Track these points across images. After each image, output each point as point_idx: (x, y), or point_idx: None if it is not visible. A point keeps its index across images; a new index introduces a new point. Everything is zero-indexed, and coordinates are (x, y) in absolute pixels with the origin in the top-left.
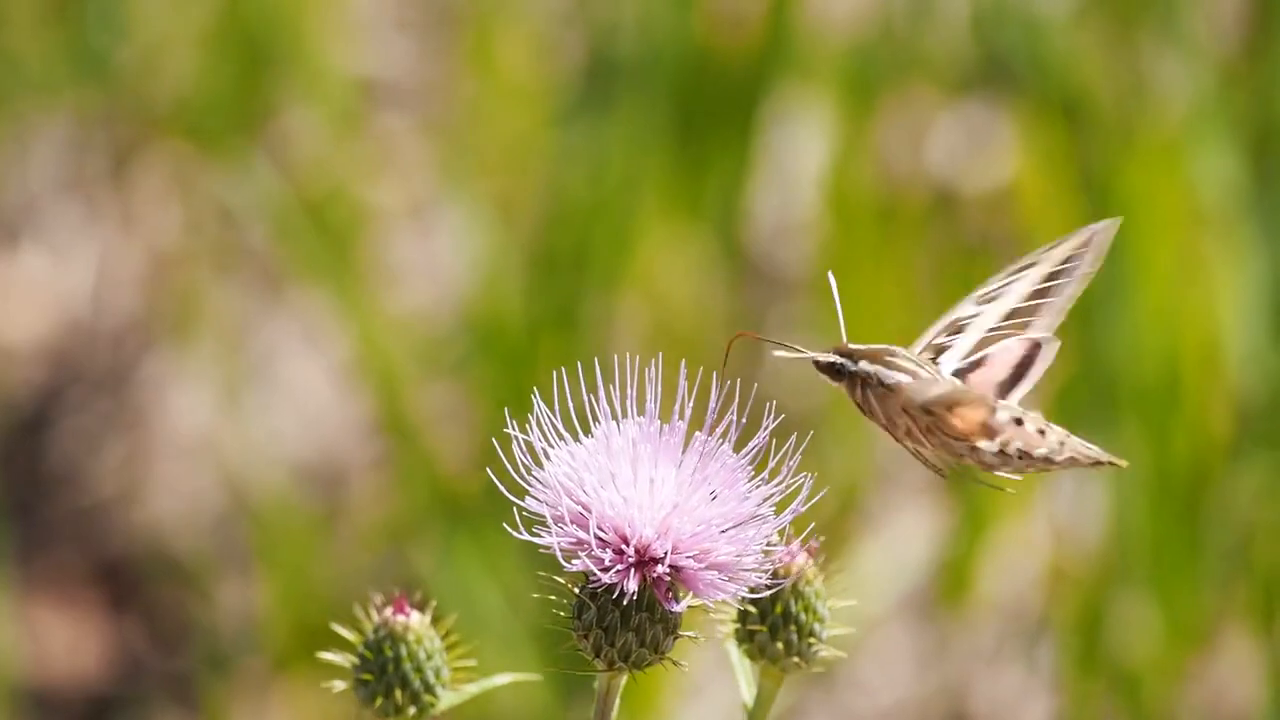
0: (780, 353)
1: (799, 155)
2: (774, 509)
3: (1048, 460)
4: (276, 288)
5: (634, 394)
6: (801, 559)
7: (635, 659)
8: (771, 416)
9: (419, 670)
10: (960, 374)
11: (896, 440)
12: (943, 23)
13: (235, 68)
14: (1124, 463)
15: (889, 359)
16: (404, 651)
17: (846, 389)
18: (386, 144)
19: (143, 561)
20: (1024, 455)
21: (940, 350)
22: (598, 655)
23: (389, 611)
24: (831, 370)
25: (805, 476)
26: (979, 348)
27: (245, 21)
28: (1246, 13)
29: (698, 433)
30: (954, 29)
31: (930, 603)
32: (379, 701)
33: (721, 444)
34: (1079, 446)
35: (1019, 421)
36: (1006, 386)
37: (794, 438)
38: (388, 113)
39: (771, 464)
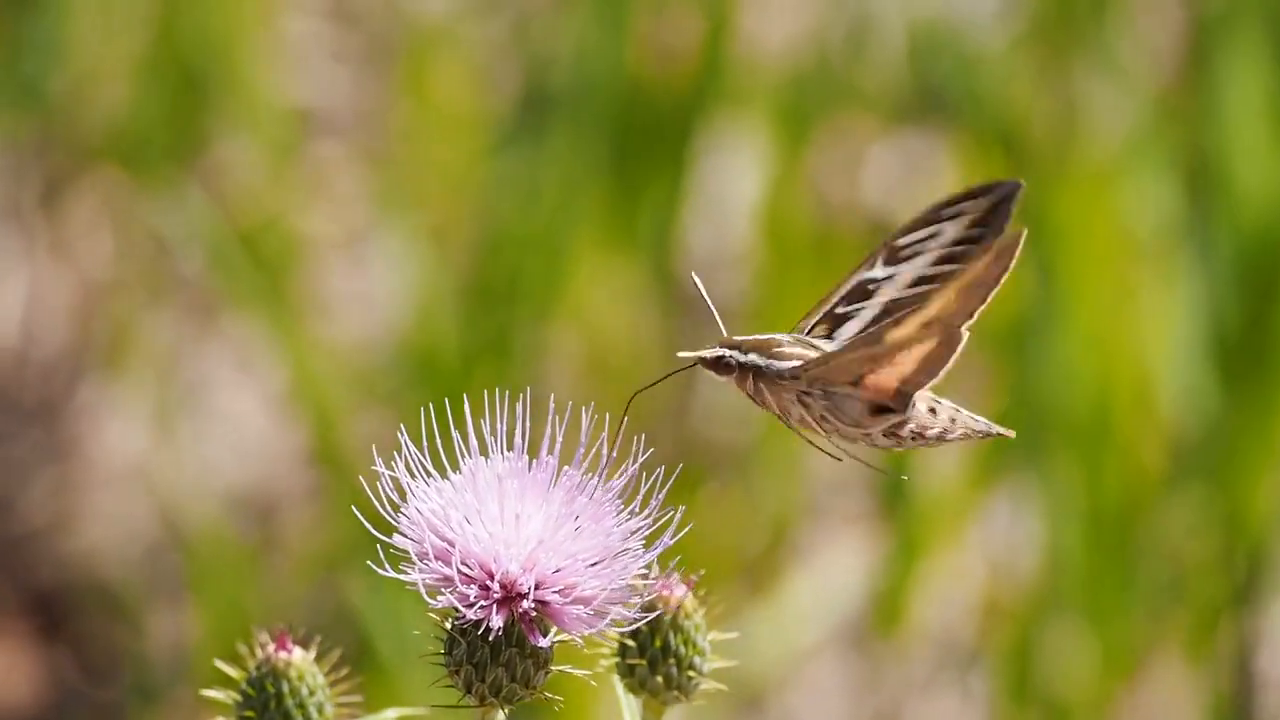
0: (682, 354)
1: (734, 185)
2: (643, 543)
3: (941, 437)
4: (210, 317)
5: (504, 429)
6: (680, 592)
7: (506, 694)
8: (641, 449)
9: (301, 707)
10: None
11: (789, 428)
12: (878, 52)
13: (170, 96)
14: (1011, 432)
15: (777, 349)
16: (286, 688)
17: (737, 382)
18: (321, 173)
19: (74, 591)
20: (918, 435)
21: (842, 320)
22: (469, 691)
23: (271, 648)
24: (719, 365)
25: (674, 510)
26: (883, 315)
27: (180, 50)
28: (1181, 43)
29: (568, 468)
30: (889, 59)
31: (863, 633)
32: None
33: (591, 478)
34: (968, 421)
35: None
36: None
37: (662, 469)
38: (323, 142)
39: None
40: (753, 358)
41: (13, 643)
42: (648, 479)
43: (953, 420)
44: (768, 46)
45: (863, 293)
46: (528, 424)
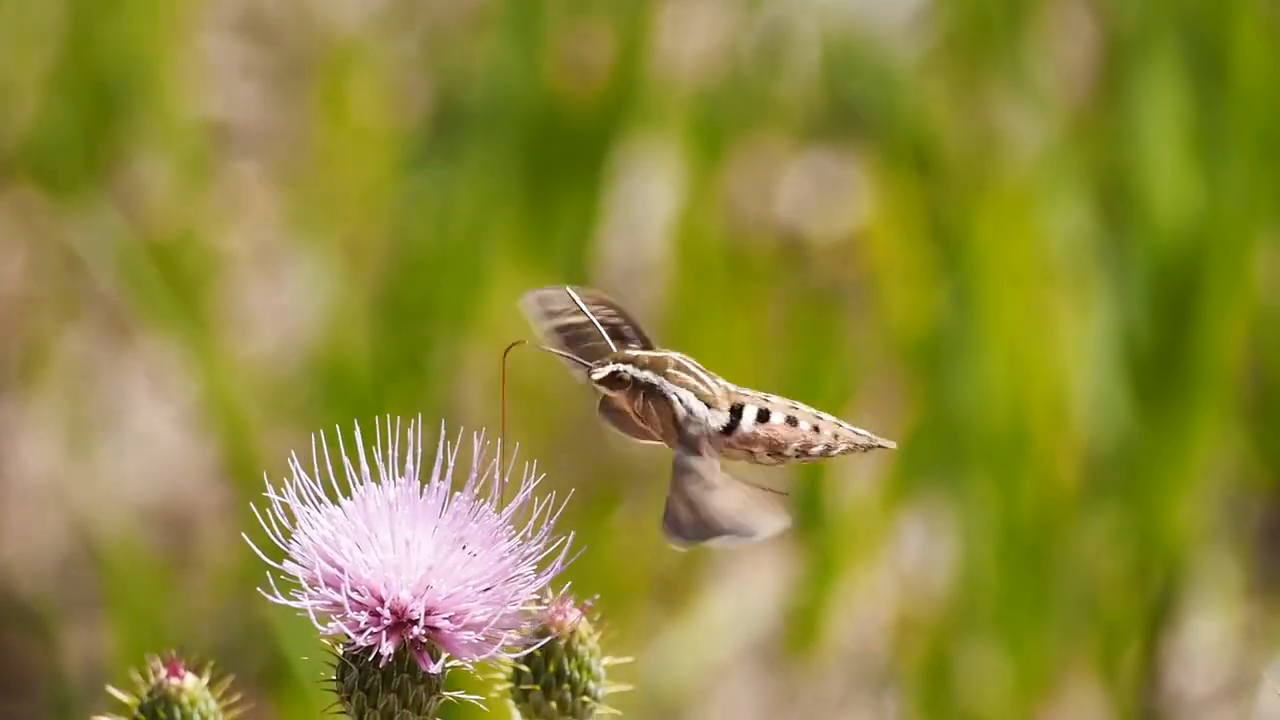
0: (551, 349)
1: (648, 202)
2: (534, 568)
3: (825, 453)
4: (124, 333)
5: (395, 455)
6: (574, 617)
7: None
8: (534, 474)
9: None
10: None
11: (669, 446)
12: (792, 70)
13: (82, 111)
14: (892, 444)
15: (670, 370)
16: (178, 714)
17: (626, 398)
18: (235, 190)
19: None
20: (801, 453)
21: None
22: (360, 717)
23: (163, 674)
24: (614, 380)
25: (566, 535)
26: None
27: (92, 64)
28: (1095, 61)
29: (460, 493)
30: (803, 76)
31: (777, 651)
32: None
33: (483, 504)
34: (850, 435)
35: (792, 422)
36: None
37: (553, 494)
38: (237, 159)
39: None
40: (648, 375)
41: None
42: (552, 501)
43: (835, 436)
44: (683, 63)
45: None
46: (419, 448)
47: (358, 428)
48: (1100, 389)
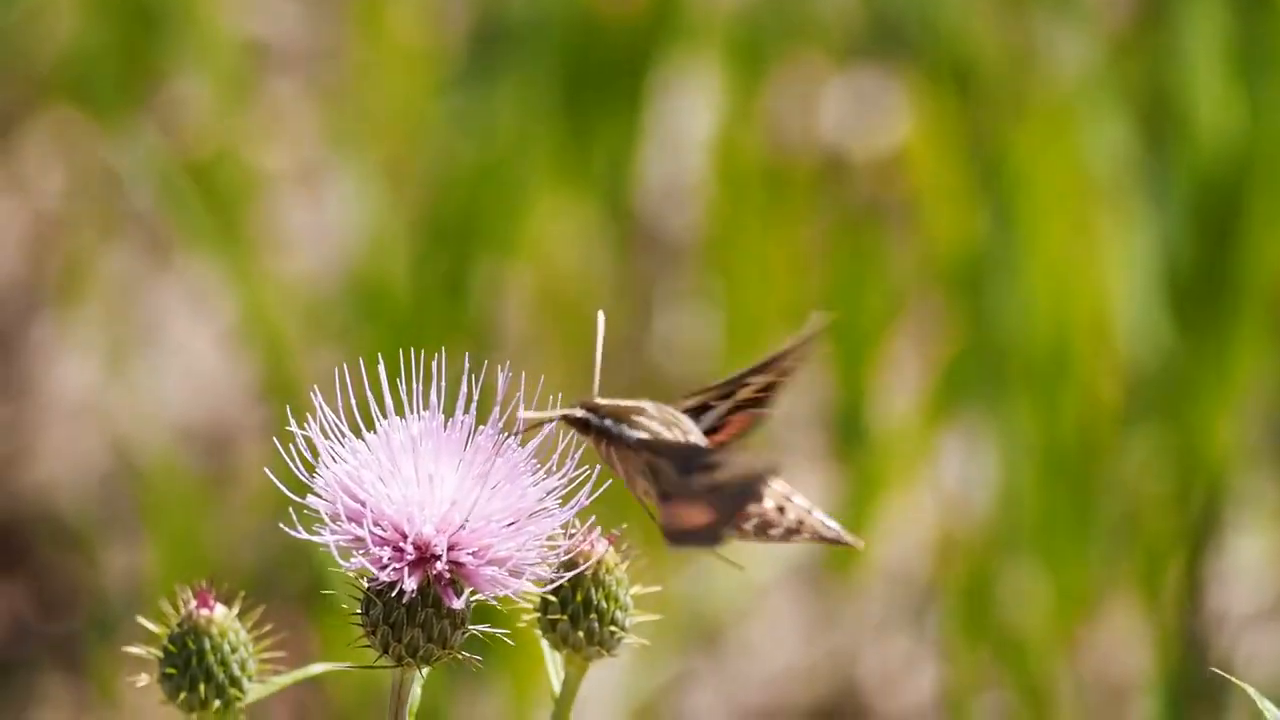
0: (529, 414)
1: (688, 122)
2: (560, 501)
3: (786, 536)
4: (163, 252)
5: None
6: (601, 547)
7: (423, 654)
8: (557, 405)
9: (223, 664)
10: (711, 430)
11: (634, 496)
12: None
13: (122, 30)
14: (860, 544)
15: (635, 418)
16: (207, 645)
17: (593, 443)
18: (275, 109)
19: (29, 525)
20: (761, 530)
21: (707, 409)
22: (385, 651)
23: (193, 604)
24: (579, 424)
25: (590, 469)
26: (732, 410)
27: None
28: None
29: (484, 427)
30: None
31: (818, 570)
32: (183, 696)
33: (507, 438)
34: (816, 524)
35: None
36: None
37: (573, 435)
38: (277, 77)
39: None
40: (607, 423)
41: None
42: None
43: (799, 522)
44: None
45: (731, 391)
46: (444, 383)
47: (381, 361)
48: (1141, 308)
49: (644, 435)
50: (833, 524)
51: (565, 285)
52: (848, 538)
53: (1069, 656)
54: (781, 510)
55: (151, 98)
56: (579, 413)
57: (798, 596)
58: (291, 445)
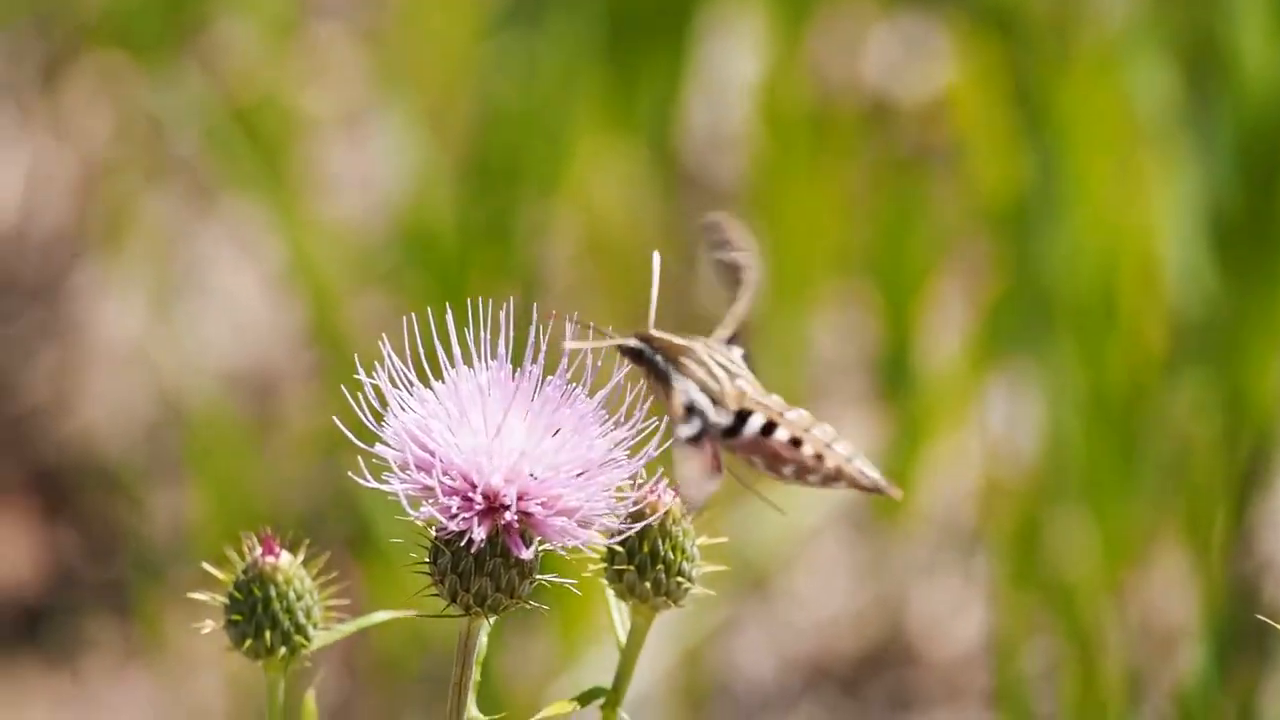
0: (574, 344)
1: (733, 65)
2: (628, 452)
3: (824, 482)
4: (208, 196)
5: (488, 338)
6: (668, 498)
7: (491, 604)
8: (624, 363)
9: (289, 611)
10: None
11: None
12: None
13: None
14: (899, 493)
15: (683, 359)
16: (273, 592)
17: (643, 374)
18: (320, 52)
19: (75, 470)
20: (800, 474)
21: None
22: (453, 600)
23: (258, 552)
24: (631, 355)
25: (659, 421)
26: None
27: None
28: None
29: (552, 377)
30: None
31: (866, 516)
32: (249, 643)
33: (575, 388)
34: (854, 473)
35: (796, 444)
36: None
37: (642, 384)
38: (321, 21)
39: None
40: (658, 359)
41: (14, 522)
42: (638, 385)
43: (838, 470)
44: None
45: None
46: (512, 332)
47: (436, 309)
48: (1187, 253)
49: (684, 382)
50: (872, 472)
51: (611, 229)
52: (887, 487)
53: (1116, 602)
54: (820, 457)
55: (196, 42)
56: (633, 342)
57: (845, 543)
58: (358, 393)
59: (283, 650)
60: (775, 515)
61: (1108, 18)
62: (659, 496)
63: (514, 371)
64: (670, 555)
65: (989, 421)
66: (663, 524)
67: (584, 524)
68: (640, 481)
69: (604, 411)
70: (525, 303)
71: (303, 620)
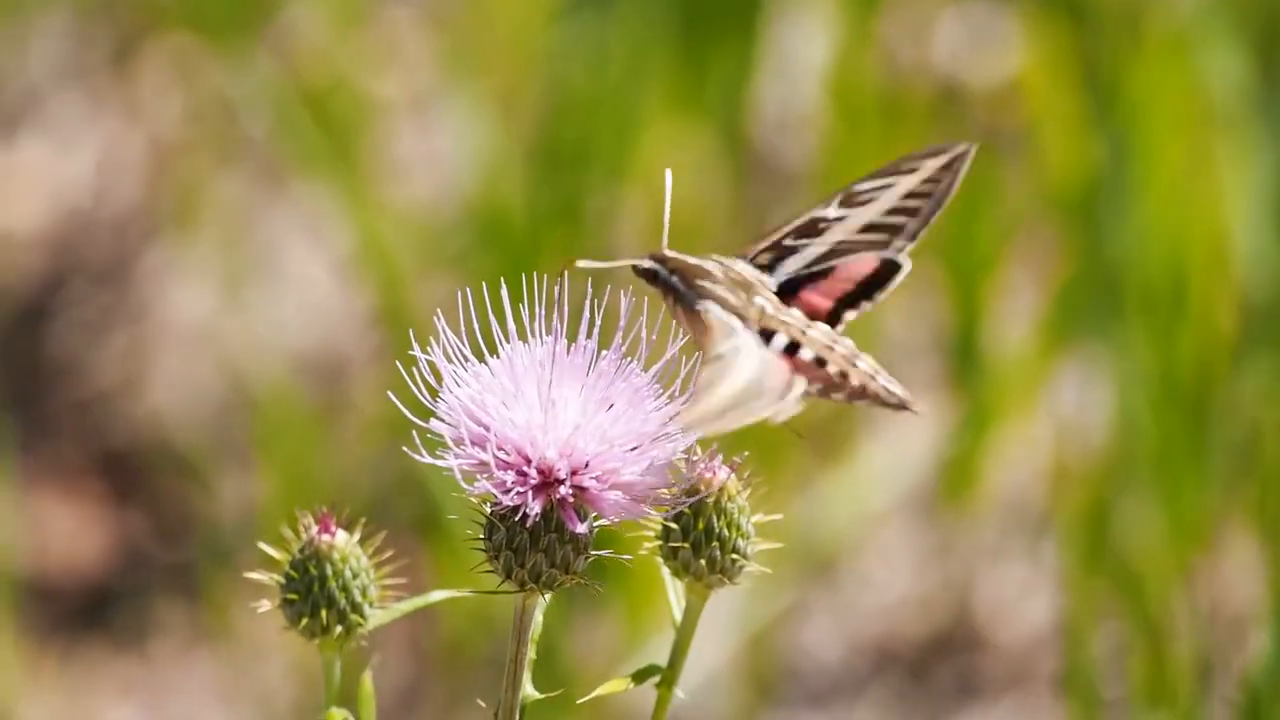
0: (587, 263)
1: (803, 48)
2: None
3: (850, 399)
4: (278, 179)
5: (543, 313)
6: (723, 475)
7: (546, 579)
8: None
9: (344, 590)
10: (799, 283)
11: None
12: None
13: None
14: (920, 410)
15: (700, 281)
16: (329, 571)
17: (660, 295)
18: (390, 36)
19: (144, 453)
20: (823, 393)
21: (786, 253)
22: (508, 576)
23: (314, 530)
24: (648, 276)
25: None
26: (827, 257)
27: None
28: None
29: (606, 351)
30: None
31: (934, 499)
32: (304, 621)
33: (630, 362)
34: (879, 390)
35: (820, 363)
36: (848, 302)
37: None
38: (391, 5)
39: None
40: (675, 280)
41: (83, 504)
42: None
43: (862, 387)
44: None
45: (813, 229)
46: (565, 307)
47: (504, 284)
48: (1258, 237)
49: (709, 300)
50: (897, 388)
51: (680, 211)
52: (911, 403)
53: (1185, 586)
54: (845, 375)
55: (267, 25)
56: (646, 263)
57: (913, 526)
58: (415, 369)
59: (339, 629)
60: (842, 499)
61: (1178, 1)
62: (713, 472)
63: (569, 346)
64: (725, 532)
65: (1058, 405)
66: (717, 500)
67: (639, 498)
68: (695, 457)
69: (659, 385)
70: (595, 285)
71: (359, 599)
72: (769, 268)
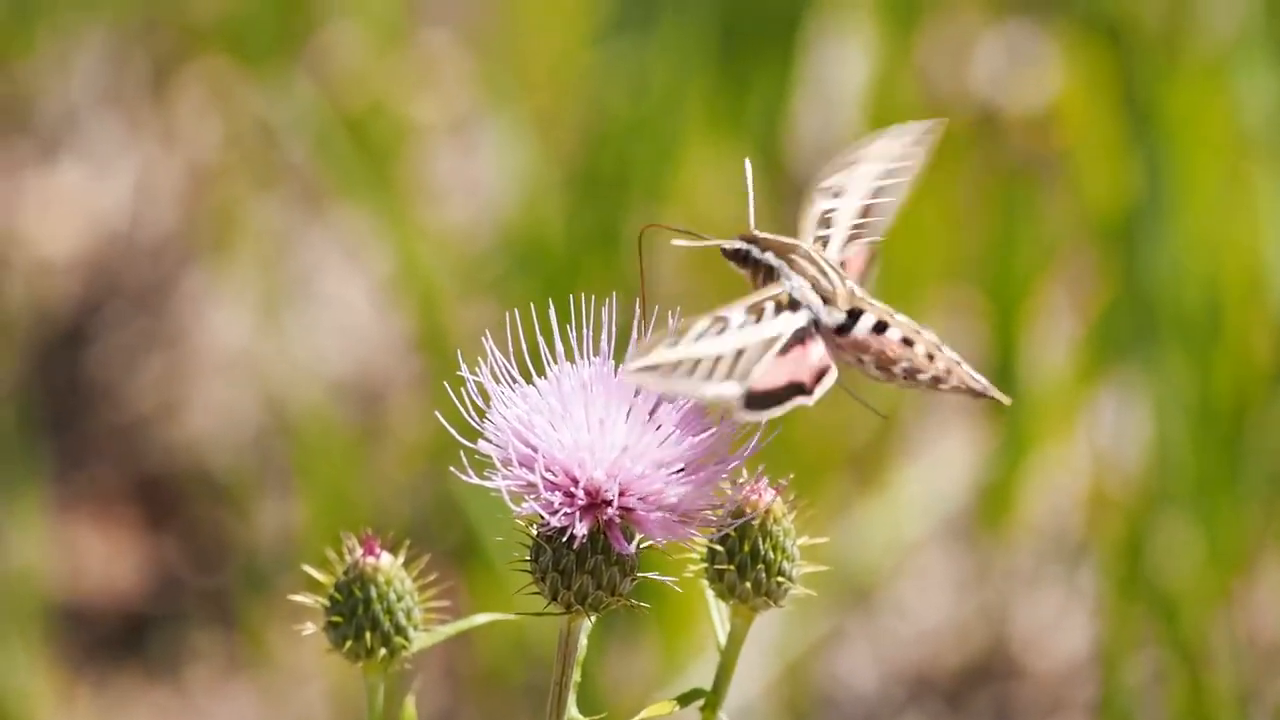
0: (681, 242)
1: (841, 73)
2: (729, 448)
3: (934, 384)
4: (316, 203)
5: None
6: (769, 497)
7: (592, 601)
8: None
9: (389, 612)
10: None
11: None
12: None
13: None
14: (1006, 399)
15: (792, 256)
16: (374, 593)
17: (749, 275)
18: (428, 59)
19: (181, 478)
20: (909, 375)
21: (823, 243)
22: (554, 598)
23: (359, 553)
24: (738, 256)
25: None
26: (845, 246)
27: None
28: None
29: None
30: None
31: (971, 526)
32: (349, 644)
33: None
34: (964, 375)
35: (908, 343)
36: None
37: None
38: (429, 27)
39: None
40: (769, 257)
41: (120, 529)
42: None
43: (948, 371)
44: None
45: (826, 222)
46: (614, 328)
47: (552, 306)
48: None
49: (802, 277)
50: (980, 377)
51: (719, 235)
52: (994, 392)
53: (1223, 613)
54: (931, 357)
55: (305, 49)
56: (737, 244)
57: (949, 553)
58: (462, 390)
59: (383, 652)
60: (879, 526)
61: (1217, 26)
62: (759, 495)
63: (616, 368)
64: (770, 555)
65: (1095, 432)
66: (763, 523)
67: (685, 520)
68: (741, 480)
69: (705, 408)
70: (634, 309)
71: (403, 621)
72: None
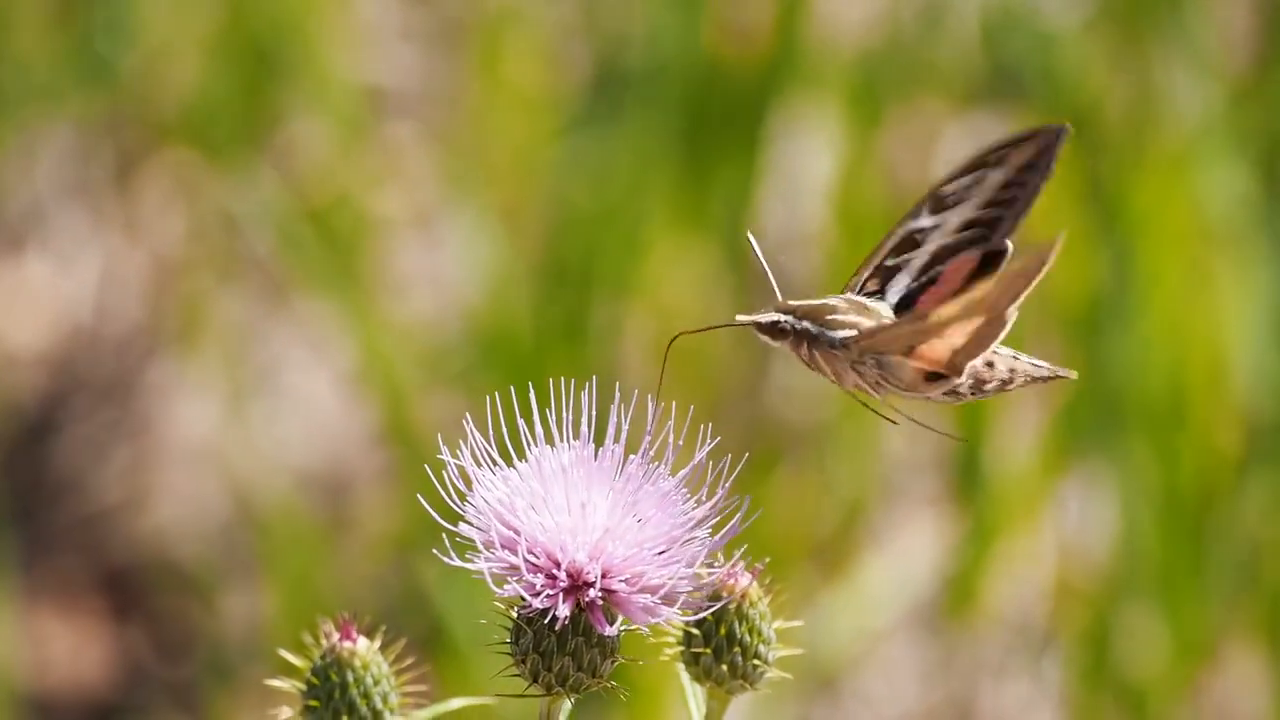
0: (742, 318)
1: (807, 166)
2: (709, 531)
3: (1002, 387)
4: (281, 296)
5: (569, 418)
6: (745, 580)
7: (573, 683)
8: (708, 437)
9: (365, 697)
10: (912, 295)
11: (844, 390)
12: (952, 33)
13: (241, 75)
14: (1073, 373)
15: (830, 315)
16: (350, 678)
17: (791, 347)
18: (392, 153)
19: (147, 569)
20: (977, 389)
21: (893, 272)
22: (535, 680)
23: (335, 637)
24: (774, 330)
25: (740, 498)
26: (933, 264)
27: (251, 29)
28: (1257, 26)
29: (634, 456)
30: (963, 39)
31: (936, 615)
32: None
33: (657, 467)
34: (1028, 368)
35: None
36: None
37: (729, 457)
38: (394, 122)
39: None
40: (806, 325)
41: (85, 621)
42: (717, 465)
43: (1011, 371)
44: (842, 26)
45: (911, 243)
46: (594, 412)
47: (517, 392)
48: (1260, 354)
49: (847, 333)
50: (1041, 362)
51: (684, 328)
52: (1060, 370)
53: (1189, 702)
54: (990, 364)
55: (269, 142)
56: (773, 316)
57: (915, 642)
58: (442, 473)
59: None
60: (845, 615)
61: (1181, 118)
62: (735, 578)
63: (596, 451)
64: (747, 638)
65: (1061, 522)
66: (739, 606)
67: (667, 601)
68: (717, 563)
69: (685, 490)
70: (601, 401)
71: (380, 706)
72: (879, 292)
